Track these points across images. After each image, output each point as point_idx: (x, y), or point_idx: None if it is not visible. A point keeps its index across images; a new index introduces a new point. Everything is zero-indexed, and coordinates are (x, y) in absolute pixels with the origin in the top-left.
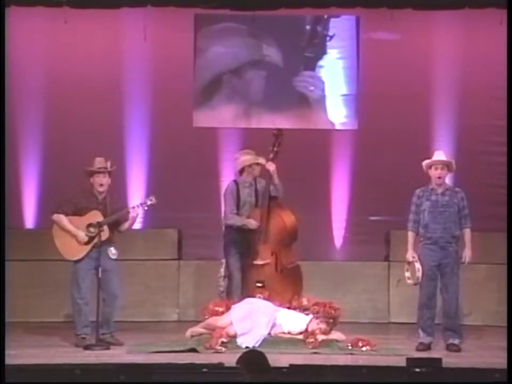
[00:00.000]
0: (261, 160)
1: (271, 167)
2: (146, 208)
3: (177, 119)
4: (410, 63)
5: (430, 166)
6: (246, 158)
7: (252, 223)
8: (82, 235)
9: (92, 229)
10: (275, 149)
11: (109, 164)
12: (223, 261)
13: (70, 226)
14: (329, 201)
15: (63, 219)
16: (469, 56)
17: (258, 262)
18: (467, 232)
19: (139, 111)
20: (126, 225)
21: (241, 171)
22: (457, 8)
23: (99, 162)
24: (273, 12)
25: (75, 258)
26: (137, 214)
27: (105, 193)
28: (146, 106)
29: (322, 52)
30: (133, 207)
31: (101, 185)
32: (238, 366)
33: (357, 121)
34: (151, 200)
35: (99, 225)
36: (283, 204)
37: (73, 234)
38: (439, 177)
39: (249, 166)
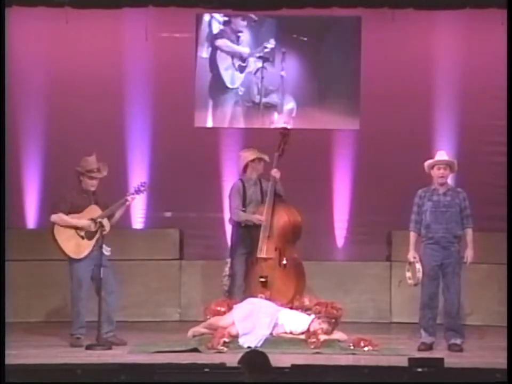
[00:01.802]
0: (264, 156)
1: (277, 174)
2: (140, 194)
3: (179, 119)
4: (411, 63)
5: (432, 166)
6: (249, 153)
7: (256, 218)
8: (88, 222)
9: (92, 224)
10: (281, 147)
11: (100, 165)
12: (228, 260)
13: (72, 221)
14: (330, 201)
15: (63, 216)
16: (470, 56)
17: (263, 256)
18: (469, 233)
19: (140, 111)
20: (117, 217)
21: (245, 168)
22: (458, 8)
23: (91, 163)
24: (274, 11)
25: (80, 256)
26: (131, 202)
27: (94, 190)
28: (147, 106)
29: (325, 52)
30: (128, 195)
31: (92, 186)
32: (239, 366)
33: (358, 121)
34: (143, 186)
35: (100, 224)
36: (288, 202)
37: (76, 227)
38: (442, 177)
39: (252, 161)
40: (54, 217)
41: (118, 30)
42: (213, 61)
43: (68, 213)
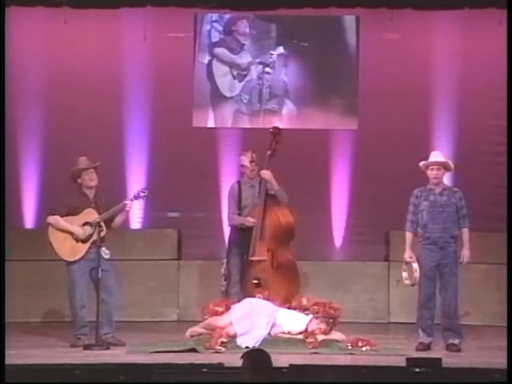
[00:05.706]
0: (245, 162)
1: (266, 175)
2: (139, 199)
3: (177, 119)
4: (410, 63)
5: (427, 167)
6: (242, 158)
7: (248, 221)
8: (80, 231)
9: (87, 227)
10: (272, 147)
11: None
12: (224, 261)
13: (66, 225)
14: (329, 201)
15: (58, 219)
16: (468, 57)
17: (255, 258)
18: (465, 232)
19: (139, 111)
20: (118, 221)
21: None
22: (457, 8)
23: (83, 161)
24: (273, 12)
25: (74, 259)
26: (130, 208)
27: (95, 191)
28: (146, 107)
29: (324, 52)
30: (127, 200)
31: (91, 180)
32: (241, 362)
33: (357, 121)
34: (143, 192)
35: (99, 224)
36: (280, 202)
37: (70, 232)
38: (435, 178)
39: (242, 166)
40: (50, 219)
41: (116, 30)
42: (209, 69)
43: (65, 216)
